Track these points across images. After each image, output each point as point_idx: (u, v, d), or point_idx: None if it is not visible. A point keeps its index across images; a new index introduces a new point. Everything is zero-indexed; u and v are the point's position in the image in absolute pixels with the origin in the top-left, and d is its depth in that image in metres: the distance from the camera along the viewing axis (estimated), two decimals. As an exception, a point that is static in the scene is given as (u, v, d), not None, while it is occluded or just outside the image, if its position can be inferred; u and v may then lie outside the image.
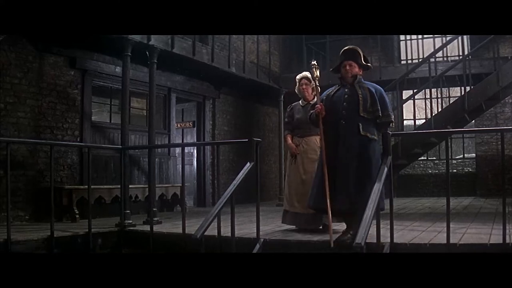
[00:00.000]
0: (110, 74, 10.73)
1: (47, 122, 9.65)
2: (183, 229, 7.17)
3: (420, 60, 13.73)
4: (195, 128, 13.85)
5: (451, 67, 11.05)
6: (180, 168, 13.24)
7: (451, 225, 5.64)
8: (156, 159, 11.77)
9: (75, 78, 10.21)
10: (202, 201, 13.32)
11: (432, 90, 11.40)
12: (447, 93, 16.34)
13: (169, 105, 12.53)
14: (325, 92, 6.44)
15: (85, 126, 10.32)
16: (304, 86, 7.50)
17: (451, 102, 12.01)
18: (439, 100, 13.57)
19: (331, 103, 6.18)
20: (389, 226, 5.74)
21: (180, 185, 11.92)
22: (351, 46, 6.27)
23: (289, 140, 7.58)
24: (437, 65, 11.52)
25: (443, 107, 12.27)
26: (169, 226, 8.38)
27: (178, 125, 13.83)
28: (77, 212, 9.33)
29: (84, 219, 8.51)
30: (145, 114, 12.40)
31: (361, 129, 5.99)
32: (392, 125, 6.26)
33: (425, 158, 16.53)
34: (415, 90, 11.42)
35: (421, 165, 16.94)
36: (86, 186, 8.99)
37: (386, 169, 5.42)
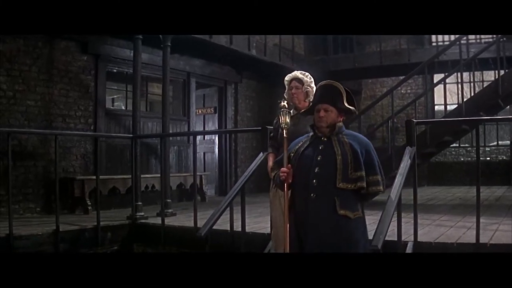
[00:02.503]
0: (125, 59, 10.31)
1: (58, 110, 9.31)
2: (195, 223, 6.83)
3: (451, 41, 13.06)
4: (216, 114, 13.41)
5: (484, 49, 10.35)
6: (202, 156, 12.94)
7: (482, 220, 5.15)
8: (175, 147, 11.44)
9: (88, 63, 9.84)
10: (224, 190, 12.87)
11: (464, 73, 10.77)
12: (481, 77, 15.66)
13: (189, 90, 12.11)
14: (294, 143, 4.36)
15: (99, 113, 9.96)
16: (293, 91, 5.35)
17: (484, 87, 11.39)
18: (472, 84, 12.90)
19: (300, 162, 4.18)
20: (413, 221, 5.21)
21: (200, 173, 11.65)
22: (329, 82, 4.21)
23: (270, 162, 5.44)
24: (469, 47, 10.83)
25: (476, 92, 11.64)
26: (183, 218, 8.00)
27: (199, 111, 13.43)
28: (89, 203, 8.99)
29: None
30: (170, 100, 12.03)
31: (338, 207, 3.96)
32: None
33: (457, 145, 15.86)
34: (446, 74, 10.81)
35: (452, 152, 16.32)
36: (100, 177, 8.69)
37: (409, 161, 4.91)
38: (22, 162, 8.79)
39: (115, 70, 10.63)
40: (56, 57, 9.29)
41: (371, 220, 4.94)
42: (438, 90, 15.61)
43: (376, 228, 4.07)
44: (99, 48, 9.90)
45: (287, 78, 5.48)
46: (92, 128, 9.80)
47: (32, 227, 7.29)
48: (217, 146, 13.33)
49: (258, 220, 7.42)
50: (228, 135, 13.03)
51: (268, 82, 14.51)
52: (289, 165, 4.18)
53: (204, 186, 11.75)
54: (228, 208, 5.81)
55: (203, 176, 11.84)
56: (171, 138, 11.17)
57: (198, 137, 13.18)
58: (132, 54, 9.55)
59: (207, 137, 13.55)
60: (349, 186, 3.99)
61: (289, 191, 4.19)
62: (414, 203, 5.19)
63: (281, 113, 4.47)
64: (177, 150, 11.65)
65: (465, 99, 9.90)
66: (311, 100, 4.95)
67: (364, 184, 3.98)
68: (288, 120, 4.43)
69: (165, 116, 8.82)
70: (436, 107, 16.67)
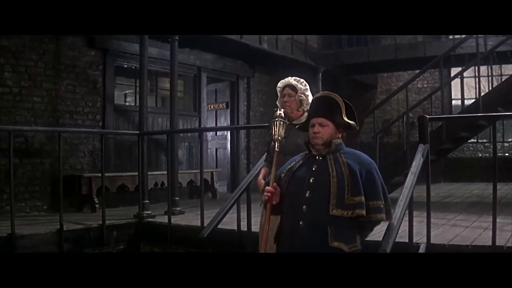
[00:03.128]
0: (134, 54, 10.09)
1: (65, 106, 9.16)
2: (201, 222, 6.68)
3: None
4: (228, 110, 13.20)
5: (501, 42, 9.99)
6: (214, 152, 12.75)
7: (499, 220, 4.90)
8: (185, 143, 11.27)
9: (96, 58, 9.67)
10: (236, 187, 12.66)
11: (482, 67, 10.45)
12: (499, 71, 15.32)
13: (199, 85, 11.91)
14: (288, 162, 3.87)
15: (107, 109, 9.80)
16: (286, 99, 4.78)
17: (502, 81, 11.07)
18: (489, 78, 12.59)
19: (290, 184, 3.67)
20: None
21: (211, 170, 11.46)
22: (326, 93, 3.73)
23: (260, 177, 4.93)
24: (487, 40, 10.50)
25: (493, 86, 11.30)
26: (192, 216, 7.82)
27: (211, 107, 13.24)
28: (97, 201, 8.83)
29: (106, 208, 8.00)
30: (181, 95, 11.89)
31: (330, 237, 3.43)
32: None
33: (475, 140, 15.50)
34: (463, 68, 10.50)
35: (470, 148, 15.94)
36: (107, 174, 8.54)
37: (421, 160, 4.66)
38: (28, 159, 8.66)
39: (125, 65, 10.47)
40: (62, 52, 9.12)
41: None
42: (456, 84, 15.31)
43: (386, 231, 3.85)
44: (107, 43, 9.72)
45: (279, 84, 4.93)
46: (100, 124, 9.64)
47: (36, 226, 7.16)
48: (229, 142, 13.12)
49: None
50: (238, 131, 12.79)
51: (282, 77, 14.19)
52: (275, 184, 3.67)
53: (215, 183, 11.56)
54: (235, 207, 5.68)
55: (214, 172, 11.64)
56: (181, 134, 11.00)
57: (210, 133, 13.00)
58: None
59: (219, 132, 13.35)
60: (345, 213, 3.41)
61: (277, 217, 3.73)
62: (427, 204, 4.94)
63: (275, 123, 4.03)
64: (187, 146, 11.47)
65: (482, 94, 9.59)
66: (306, 109, 4.55)
67: (364, 211, 3.41)
68: (282, 131, 4.02)
69: (173, 112, 8.63)
70: (453, 102, 16.30)
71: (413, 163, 4.60)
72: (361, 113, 15.83)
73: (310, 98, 4.43)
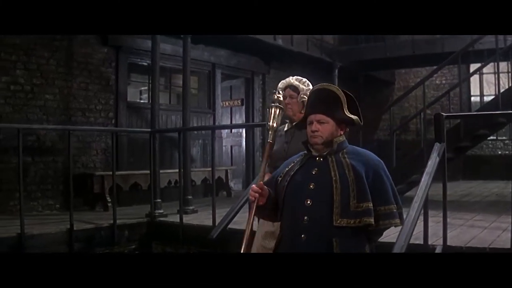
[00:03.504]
0: (147, 50, 9.91)
1: (78, 104, 9.09)
2: (213, 221, 6.58)
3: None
4: (244, 106, 13.07)
5: (521, 37, 9.81)
6: (229, 150, 12.64)
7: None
8: (199, 141, 11.17)
9: (108, 55, 9.58)
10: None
11: (502, 63, 10.22)
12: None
13: (214, 82, 11.79)
14: (284, 164, 3.43)
15: (120, 107, 9.71)
16: (287, 100, 4.33)
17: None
18: (510, 74, 12.34)
19: (288, 191, 3.21)
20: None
21: (226, 167, 11.34)
22: (324, 85, 3.24)
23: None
24: (506, 35, 10.26)
25: (513, 82, 11.08)
26: (205, 215, 7.70)
27: (226, 103, 13.11)
28: (109, 200, 8.74)
29: (119, 207, 7.93)
30: (195, 92, 11.79)
31: (335, 252, 3.03)
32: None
33: (494, 137, 15.20)
34: (482, 64, 10.28)
35: (489, 145, 15.65)
36: (120, 172, 8.46)
37: (437, 159, 4.50)
38: (40, 157, 8.60)
39: (139, 62, 10.38)
40: (75, 49, 9.05)
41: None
42: (475, 81, 15.06)
43: (399, 233, 3.70)
44: (120, 40, 9.62)
45: (280, 85, 4.49)
46: (113, 122, 9.56)
47: (47, 225, 7.08)
48: (244, 139, 12.99)
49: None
50: (253, 128, 12.66)
51: (298, 73, 14.06)
52: (261, 183, 3.19)
53: (230, 181, 11.43)
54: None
55: (228, 170, 11.51)
56: (195, 132, 10.90)
57: (225, 130, 12.90)
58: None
59: (234, 130, 13.23)
60: (352, 222, 3.00)
61: (268, 222, 3.56)
62: (444, 204, 4.78)
63: (270, 109, 3.60)
64: (201, 143, 11.37)
65: (502, 90, 9.37)
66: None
67: (372, 219, 3.01)
68: (278, 119, 3.55)
69: (186, 109, 8.51)
70: (472, 98, 16.03)
71: (429, 163, 4.45)
72: (378, 110, 15.79)
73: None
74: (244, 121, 12.99)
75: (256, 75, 12.99)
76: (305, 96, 4.17)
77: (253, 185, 3.21)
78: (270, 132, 3.52)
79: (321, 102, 3.20)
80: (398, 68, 16.48)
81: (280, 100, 3.67)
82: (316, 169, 3.17)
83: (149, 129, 8.08)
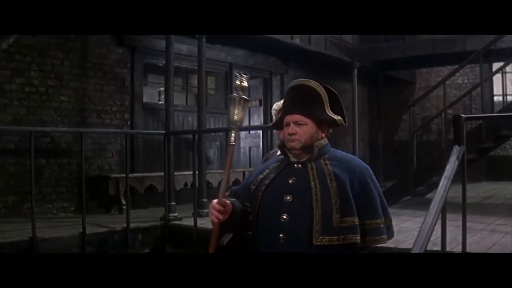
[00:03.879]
0: (163, 51, 9.82)
1: (93, 105, 9.01)
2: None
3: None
4: (262, 107, 12.92)
5: (546, 35, 9.56)
6: (247, 151, 12.50)
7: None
8: (217, 142, 11.04)
9: (124, 56, 9.50)
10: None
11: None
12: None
13: (231, 82, 11.65)
14: (259, 169, 3.02)
15: (136, 108, 9.63)
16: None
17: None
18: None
19: (262, 203, 2.77)
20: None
21: (243, 169, 11.20)
22: (302, 81, 2.80)
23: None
24: (530, 33, 10.01)
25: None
26: (220, 218, 7.52)
27: (244, 104, 12.94)
28: (124, 202, 8.64)
29: (134, 209, 7.82)
30: (212, 93, 11.68)
31: None
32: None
33: (518, 137, 14.85)
34: (504, 62, 10.04)
35: (513, 145, 15.37)
36: (135, 174, 8.35)
37: (456, 163, 4.30)
38: (55, 160, 8.53)
39: (156, 63, 10.28)
40: (89, 50, 8.98)
41: (417, 224, 4.37)
42: (497, 80, 14.78)
43: (415, 242, 3.52)
44: (135, 40, 9.53)
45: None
46: (128, 123, 9.48)
47: (60, 228, 7.01)
48: (261, 141, 12.85)
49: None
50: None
51: (317, 73, 13.93)
52: (224, 201, 2.66)
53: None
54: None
55: (246, 172, 11.36)
56: (212, 133, 10.78)
57: (243, 132, 12.75)
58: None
59: (252, 131, 13.09)
60: (335, 240, 2.60)
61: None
62: (463, 209, 4.58)
63: (233, 100, 2.83)
64: (219, 145, 11.24)
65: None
66: None
67: (358, 237, 2.63)
68: (241, 111, 2.84)
69: (201, 110, 8.40)
70: (495, 98, 15.72)
71: (447, 167, 4.24)
72: (399, 110, 15.58)
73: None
74: (262, 122, 12.84)
75: (274, 75, 12.86)
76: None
77: (214, 202, 2.67)
78: (232, 132, 2.85)
79: (298, 100, 2.77)
80: (418, 68, 16.22)
81: (244, 86, 2.85)
82: (293, 178, 2.75)
83: (163, 131, 7.96)
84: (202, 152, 8.15)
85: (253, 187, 2.86)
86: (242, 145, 12.57)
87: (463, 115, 4.54)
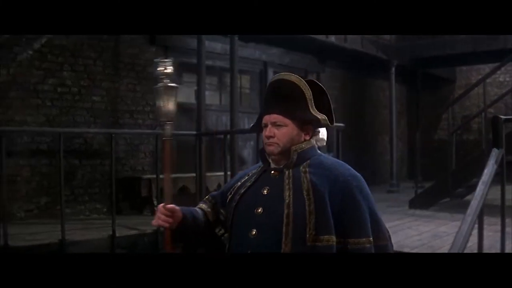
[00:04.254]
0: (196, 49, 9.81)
1: (125, 105, 8.95)
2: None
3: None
4: (297, 107, 12.74)
5: None
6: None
7: None
8: (251, 142, 10.89)
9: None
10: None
11: None
12: None
13: (266, 81, 11.49)
14: (237, 176, 2.73)
15: (169, 108, 9.49)
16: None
17: None
18: None
19: (235, 215, 2.45)
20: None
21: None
22: (282, 76, 2.46)
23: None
24: None
25: None
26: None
27: (279, 103, 12.81)
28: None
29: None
30: (247, 92, 11.54)
31: None
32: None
33: None
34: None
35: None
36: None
37: (494, 167, 4.07)
38: (87, 160, 8.48)
39: (190, 62, 10.16)
40: (122, 50, 8.93)
41: (455, 228, 4.14)
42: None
43: (452, 245, 3.32)
44: (168, 39, 9.46)
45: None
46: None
47: (91, 231, 6.95)
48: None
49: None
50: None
51: (354, 72, 13.74)
52: (172, 206, 2.50)
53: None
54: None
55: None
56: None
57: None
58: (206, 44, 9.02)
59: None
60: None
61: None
62: (502, 215, 4.35)
63: (159, 90, 2.57)
64: (253, 145, 11.08)
65: None
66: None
67: None
68: (172, 104, 2.57)
69: (234, 111, 8.29)
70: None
71: (485, 171, 4.00)
72: (438, 109, 15.23)
73: (323, 132, 2.59)
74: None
75: (310, 73, 12.67)
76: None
77: (160, 206, 2.50)
78: (166, 128, 2.58)
79: (277, 98, 2.41)
80: (458, 65, 15.87)
81: (169, 72, 2.55)
82: (267, 187, 2.39)
83: (195, 132, 7.85)
84: (234, 152, 8.01)
85: (229, 195, 2.52)
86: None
87: (502, 117, 4.29)
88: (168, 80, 2.53)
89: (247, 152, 10.97)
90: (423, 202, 9.42)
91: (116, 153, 8.47)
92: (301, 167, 2.37)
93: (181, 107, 9.66)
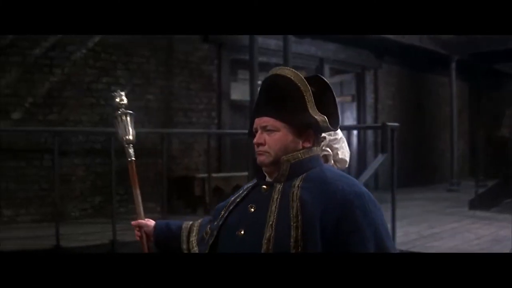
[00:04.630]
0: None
1: (179, 103, 8.89)
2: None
3: None
4: (355, 103, 12.52)
5: None
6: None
7: None
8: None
9: (210, 53, 9.35)
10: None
11: None
12: None
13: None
14: (236, 193, 2.18)
15: (223, 106, 9.47)
16: None
17: None
18: None
19: (223, 233, 2.05)
20: None
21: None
22: (278, 70, 1.99)
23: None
24: None
25: None
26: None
27: (337, 99, 12.57)
28: (208, 203, 8.46)
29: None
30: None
31: None
32: None
33: None
34: None
35: None
36: (221, 174, 8.14)
37: None
38: (141, 159, 8.35)
39: (245, 59, 10.05)
40: (175, 47, 8.88)
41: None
42: None
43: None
44: (221, 36, 9.33)
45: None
46: (216, 122, 9.34)
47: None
48: (356, 137, 12.44)
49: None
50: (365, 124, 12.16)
51: (412, 68, 13.39)
52: (142, 221, 2.48)
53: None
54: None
55: (338, 170, 10.98)
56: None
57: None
58: (259, 40, 8.86)
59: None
60: None
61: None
62: None
63: (119, 118, 2.65)
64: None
65: None
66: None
67: None
68: (132, 127, 2.65)
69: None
70: None
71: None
72: (502, 106, 14.74)
73: (344, 151, 2.51)
74: (356, 119, 12.48)
75: (367, 69, 12.49)
76: (328, 150, 2.48)
77: (132, 222, 2.50)
78: (130, 150, 2.67)
79: (269, 97, 2.01)
80: (522, 60, 15.29)
81: (124, 103, 2.68)
82: (254, 205, 1.98)
83: (248, 130, 7.69)
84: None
85: (223, 212, 2.11)
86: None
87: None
88: (124, 109, 2.63)
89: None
90: (484, 202, 9.06)
91: (169, 151, 8.46)
92: (293, 182, 1.93)
93: (235, 104, 9.61)
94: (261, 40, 9.24)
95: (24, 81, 7.72)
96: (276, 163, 1.96)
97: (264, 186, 2.00)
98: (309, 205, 1.82)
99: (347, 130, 12.00)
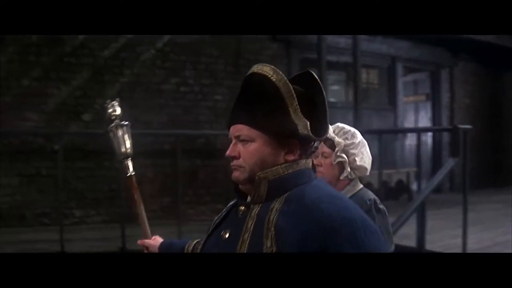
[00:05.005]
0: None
1: (248, 104, 8.77)
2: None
3: None
4: (429, 102, 12.18)
5: None
6: (413, 149, 11.82)
7: None
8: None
9: (279, 51, 9.25)
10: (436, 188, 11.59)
11: None
12: None
13: (394, 76, 11.07)
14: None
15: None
16: (318, 160, 2.61)
17: None
18: None
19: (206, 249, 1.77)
20: None
21: (407, 169, 10.56)
22: (257, 68, 1.66)
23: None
24: None
25: None
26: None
27: (410, 99, 12.32)
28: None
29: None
30: (376, 88, 11.33)
31: None
32: None
33: None
34: None
35: None
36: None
37: None
38: (210, 161, 8.40)
39: (315, 58, 9.92)
40: (243, 46, 8.80)
41: None
42: None
43: None
44: (289, 35, 9.18)
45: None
46: (283, 121, 9.17)
47: (202, 234, 6.77)
48: (430, 137, 12.08)
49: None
50: (440, 123, 11.79)
51: (489, 65, 12.89)
52: (147, 241, 2.34)
53: (411, 183, 10.58)
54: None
55: (410, 172, 10.66)
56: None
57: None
58: (328, 38, 8.70)
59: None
60: None
61: None
62: None
63: (114, 132, 2.42)
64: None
65: None
66: (352, 176, 2.56)
67: None
68: (127, 140, 2.44)
69: (357, 107, 7.88)
70: None
71: None
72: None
73: (363, 157, 2.53)
74: (431, 118, 12.14)
75: (442, 68, 12.10)
76: (343, 156, 2.51)
77: (138, 241, 2.34)
78: (126, 162, 2.43)
79: (243, 101, 1.72)
80: None
81: (118, 114, 2.44)
82: (228, 230, 1.65)
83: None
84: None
85: (206, 235, 1.83)
86: (408, 142, 11.85)
87: None
88: (118, 120, 2.40)
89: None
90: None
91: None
92: (273, 202, 1.58)
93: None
94: (330, 38, 9.07)
95: (95, 82, 7.82)
96: (252, 179, 1.63)
97: (242, 207, 1.67)
98: (286, 234, 1.49)
99: (417, 132, 11.71)
